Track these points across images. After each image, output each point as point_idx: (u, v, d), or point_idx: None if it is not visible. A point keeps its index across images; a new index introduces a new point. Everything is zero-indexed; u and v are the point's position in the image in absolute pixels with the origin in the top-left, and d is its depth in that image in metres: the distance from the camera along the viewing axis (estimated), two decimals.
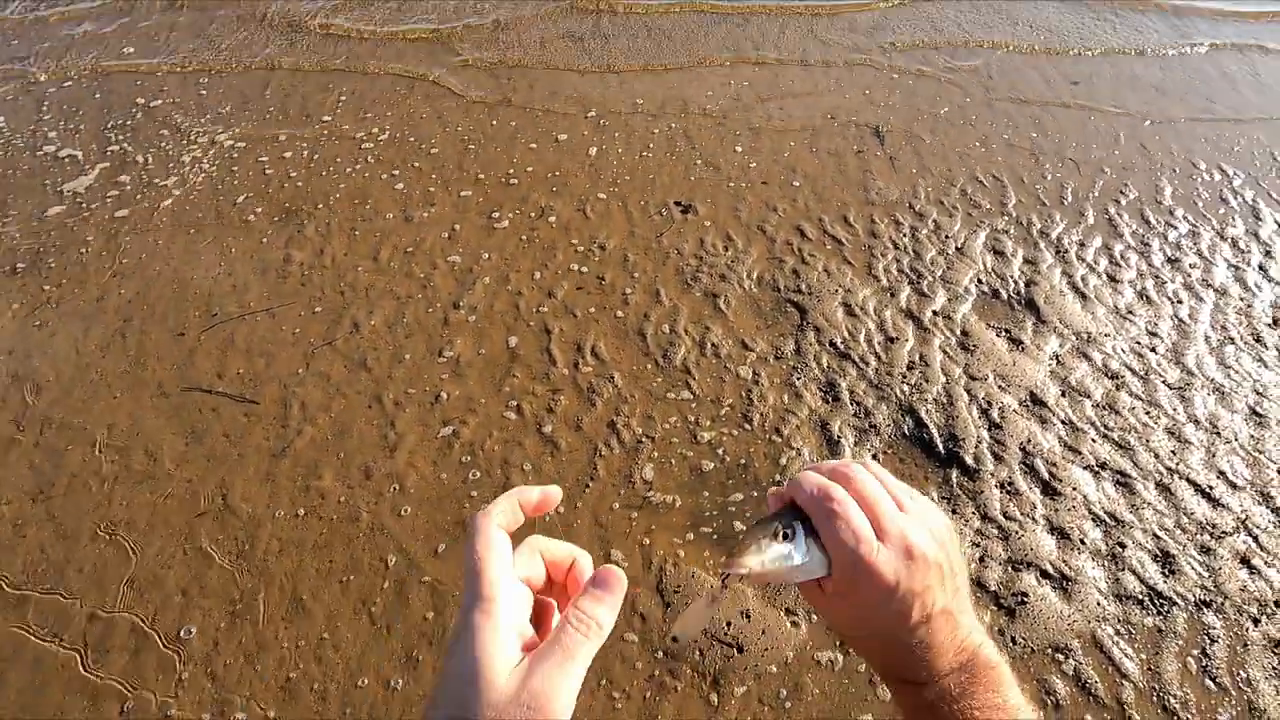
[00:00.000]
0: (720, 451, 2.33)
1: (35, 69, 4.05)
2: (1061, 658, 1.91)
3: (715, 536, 2.13)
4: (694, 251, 2.99)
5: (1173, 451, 2.36)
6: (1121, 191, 3.36)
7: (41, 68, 4.06)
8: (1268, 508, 2.23)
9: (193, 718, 1.78)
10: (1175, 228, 3.19)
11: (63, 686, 1.82)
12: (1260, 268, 3.01)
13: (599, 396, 2.48)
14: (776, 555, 0.62)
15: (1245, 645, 1.94)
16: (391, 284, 2.82)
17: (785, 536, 0.62)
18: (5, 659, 1.86)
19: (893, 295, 2.84)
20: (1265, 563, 2.11)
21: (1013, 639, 1.94)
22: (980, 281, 2.91)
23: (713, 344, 2.65)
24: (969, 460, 2.32)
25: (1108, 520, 2.19)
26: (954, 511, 2.20)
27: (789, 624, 1.96)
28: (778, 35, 4.40)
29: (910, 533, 0.65)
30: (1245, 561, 2.11)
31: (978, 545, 2.13)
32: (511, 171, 3.35)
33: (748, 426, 2.41)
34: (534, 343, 2.64)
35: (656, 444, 2.35)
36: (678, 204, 3.19)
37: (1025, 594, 2.02)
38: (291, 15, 4.48)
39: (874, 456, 2.33)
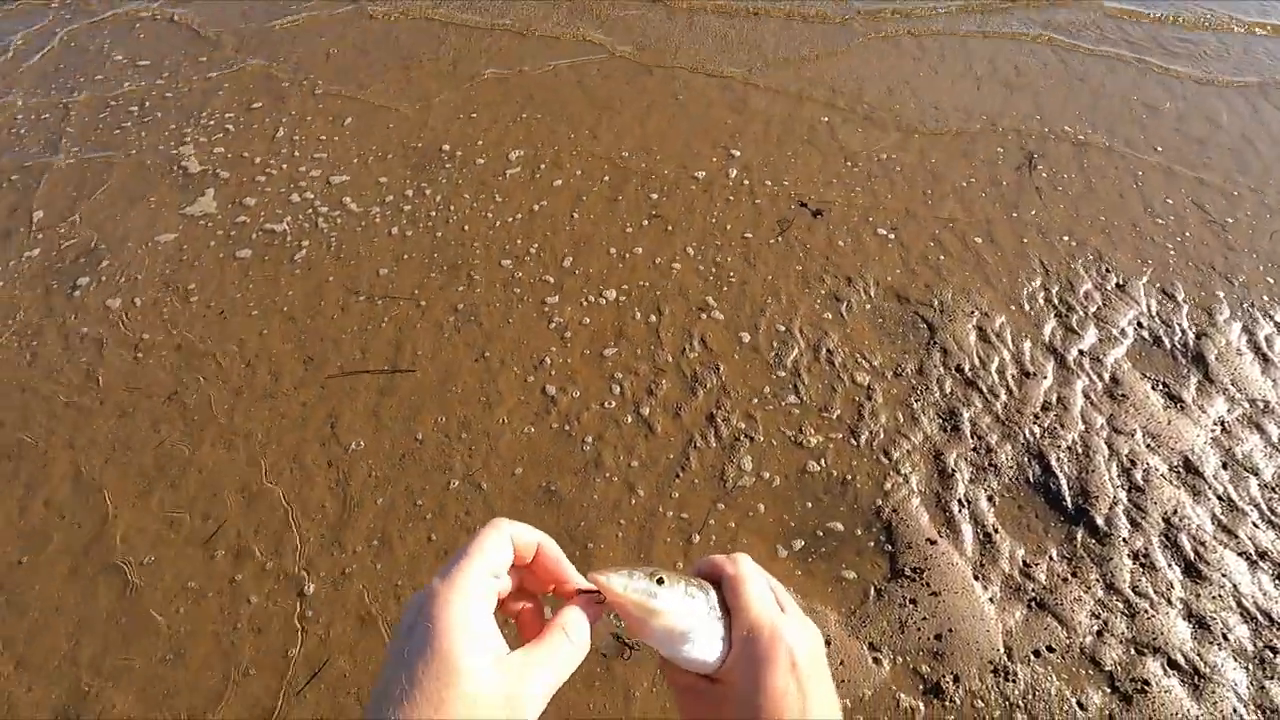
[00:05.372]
0: (823, 461, 2.21)
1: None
2: None
3: (805, 559, 2.03)
4: (821, 250, 2.84)
5: None
6: None
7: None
8: None
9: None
10: None
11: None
12: None
13: (701, 386, 2.40)
14: (640, 590, 0.57)
15: None
16: (510, 239, 2.84)
17: (660, 582, 0.58)
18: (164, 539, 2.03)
19: (1036, 326, 2.59)
20: None
21: None
22: (1141, 325, 2.60)
23: (828, 350, 2.50)
24: (1100, 521, 2.09)
25: (1260, 618, 1.91)
26: (1074, 574, 1.99)
27: (871, 660, 1.84)
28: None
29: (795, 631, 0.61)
30: None
31: (1097, 617, 1.91)
32: (651, 147, 3.29)
33: (854, 442, 2.26)
34: (643, 320, 2.59)
35: (755, 445, 2.25)
36: (802, 204, 3.03)
37: (1147, 681, 1.80)
38: None
39: (989, 499, 2.14)
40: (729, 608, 0.61)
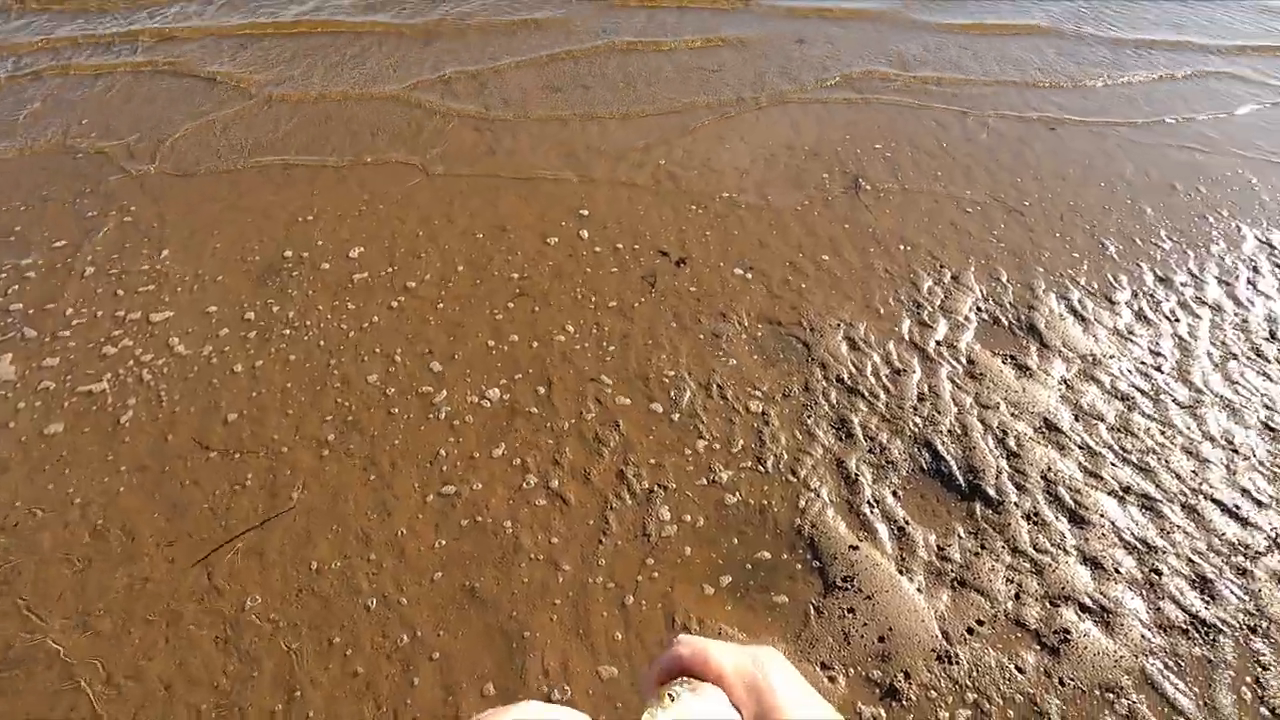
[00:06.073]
0: (738, 493, 2.24)
1: None
2: (1113, 697, 1.82)
3: (740, 594, 2.02)
4: (691, 293, 2.94)
5: (1194, 472, 2.32)
6: (1104, 211, 3.41)
7: None
8: None
9: None
10: (1160, 246, 3.23)
11: None
12: (1249, 283, 3.05)
13: (605, 446, 2.38)
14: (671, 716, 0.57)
15: None
16: (380, 340, 2.72)
17: (672, 698, 0.59)
18: None
19: (895, 326, 2.81)
20: None
21: (1061, 680, 1.84)
22: (980, 309, 2.90)
23: (718, 386, 2.57)
24: (991, 492, 2.26)
25: (1140, 547, 2.12)
26: (983, 547, 2.12)
27: (826, 679, 1.84)
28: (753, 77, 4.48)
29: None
30: None
31: (1011, 581, 2.04)
32: (505, 226, 3.30)
33: (763, 468, 2.32)
34: (532, 393, 2.54)
35: (670, 493, 2.25)
36: (663, 253, 3.15)
37: (1067, 630, 1.94)
38: None
39: (894, 495, 2.26)
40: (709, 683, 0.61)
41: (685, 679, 0.61)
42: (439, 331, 2.75)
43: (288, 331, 2.72)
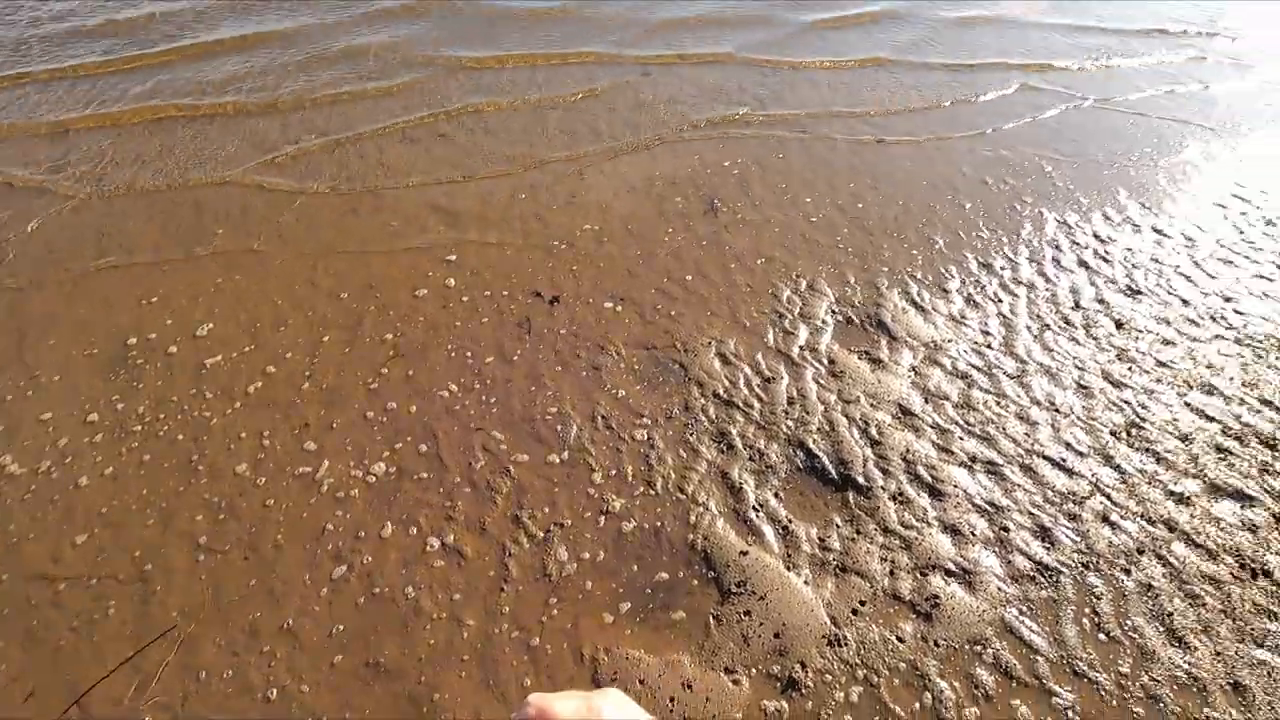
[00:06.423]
0: (633, 520, 2.32)
1: None
2: (980, 649, 2.02)
3: (641, 616, 2.09)
4: (568, 330, 3.02)
5: (1026, 434, 2.63)
6: (931, 209, 3.79)
7: None
8: (1110, 467, 2.52)
9: None
10: (981, 235, 3.63)
11: None
12: (1054, 260, 3.49)
13: (498, 493, 2.40)
14: None
15: (1124, 596, 2.15)
16: (250, 416, 2.61)
17: None
18: None
19: (761, 337, 3.00)
20: (1121, 517, 2.36)
21: (935, 642, 2.03)
22: (834, 311, 3.15)
23: (603, 417, 2.65)
24: (861, 480, 2.46)
25: (989, 509, 2.38)
26: (858, 532, 2.31)
27: (731, 683, 1.94)
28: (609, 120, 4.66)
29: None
30: (1106, 519, 2.36)
31: (885, 559, 2.23)
32: (371, 284, 3.26)
33: (653, 491, 2.41)
34: (417, 452, 2.52)
35: (567, 530, 2.30)
36: (537, 294, 3.22)
37: (937, 596, 2.14)
38: None
39: (776, 496, 2.41)
40: None
41: None
42: (311, 407, 2.67)
43: (139, 428, 2.56)
